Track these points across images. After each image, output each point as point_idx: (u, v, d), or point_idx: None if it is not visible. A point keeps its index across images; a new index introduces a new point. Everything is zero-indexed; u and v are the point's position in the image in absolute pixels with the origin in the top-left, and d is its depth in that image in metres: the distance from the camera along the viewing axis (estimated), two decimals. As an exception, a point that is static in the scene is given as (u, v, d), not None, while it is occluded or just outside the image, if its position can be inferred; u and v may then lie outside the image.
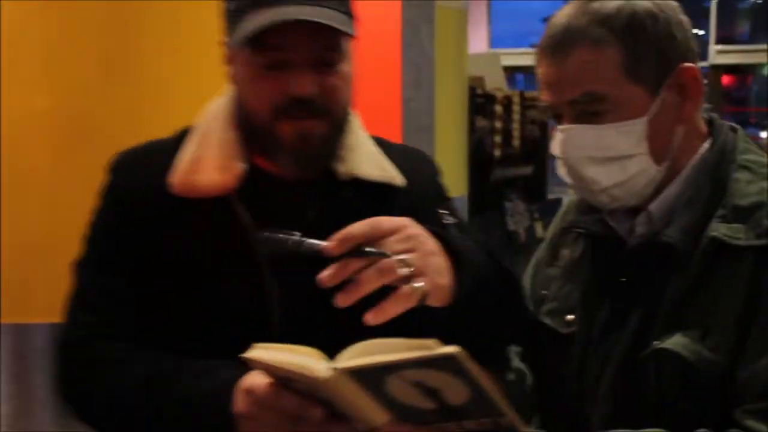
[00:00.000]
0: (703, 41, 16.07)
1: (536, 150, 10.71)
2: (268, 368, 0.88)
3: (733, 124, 1.13)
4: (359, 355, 0.77)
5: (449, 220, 1.15)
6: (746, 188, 1.01)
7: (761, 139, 17.79)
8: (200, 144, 1.11)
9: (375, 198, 1.12)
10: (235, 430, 0.94)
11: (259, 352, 0.86)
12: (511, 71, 17.65)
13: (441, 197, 1.24)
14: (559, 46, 1.02)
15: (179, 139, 1.15)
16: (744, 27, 25.11)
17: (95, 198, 2.56)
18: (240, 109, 1.09)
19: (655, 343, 0.99)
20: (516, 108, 10.31)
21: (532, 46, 22.15)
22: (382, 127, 1.39)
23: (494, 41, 16.59)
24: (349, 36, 1.05)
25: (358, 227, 0.92)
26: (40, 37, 2.52)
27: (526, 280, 1.29)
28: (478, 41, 14.11)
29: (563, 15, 1.04)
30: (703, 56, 15.63)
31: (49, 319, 2.75)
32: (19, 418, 2.88)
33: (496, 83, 10.57)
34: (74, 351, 1.09)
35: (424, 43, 3.84)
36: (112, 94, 2.55)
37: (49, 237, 2.57)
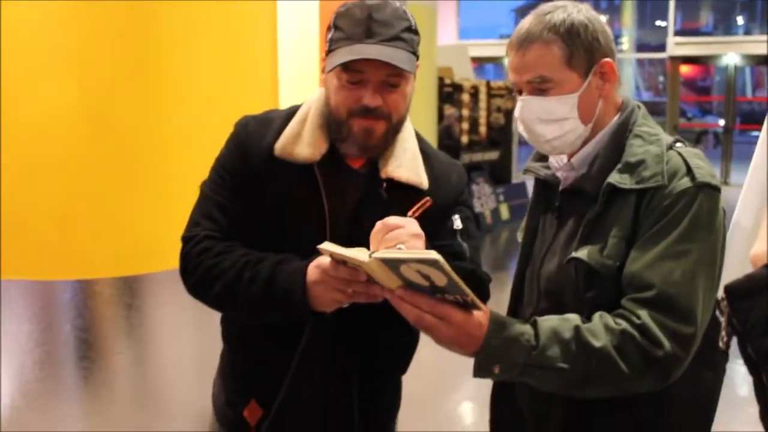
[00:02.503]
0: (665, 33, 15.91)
1: (502, 136, 11.12)
2: (331, 255, 1.30)
3: (639, 103, 1.51)
4: (387, 251, 1.24)
5: (457, 225, 1.57)
6: (635, 150, 1.41)
7: (720, 126, 17.62)
8: (300, 123, 1.54)
9: (404, 194, 1.52)
10: (306, 293, 1.38)
11: (327, 244, 1.28)
12: (480, 62, 17.87)
13: (458, 203, 1.61)
14: (522, 43, 1.41)
15: (290, 114, 1.58)
16: (708, 19, 25.50)
17: (118, 182, 2.90)
18: (327, 106, 1.52)
19: (574, 254, 1.39)
20: (483, 97, 10.63)
21: (501, 37, 21.83)
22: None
23: (463, 33, 16.88)
24: (408, 72, 1.46)
25: (379, 225, 1.33)
26: (69, 39, 2.76)
27: None
28: (447, 33, 14.40)
29: (526, 22, 1.43)
30: (663, 48, 15.55)
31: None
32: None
33: (464, 73, 10.92)
34: (191, 243, 1.52)
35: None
36: (134, 91, 2.81)
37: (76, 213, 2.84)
